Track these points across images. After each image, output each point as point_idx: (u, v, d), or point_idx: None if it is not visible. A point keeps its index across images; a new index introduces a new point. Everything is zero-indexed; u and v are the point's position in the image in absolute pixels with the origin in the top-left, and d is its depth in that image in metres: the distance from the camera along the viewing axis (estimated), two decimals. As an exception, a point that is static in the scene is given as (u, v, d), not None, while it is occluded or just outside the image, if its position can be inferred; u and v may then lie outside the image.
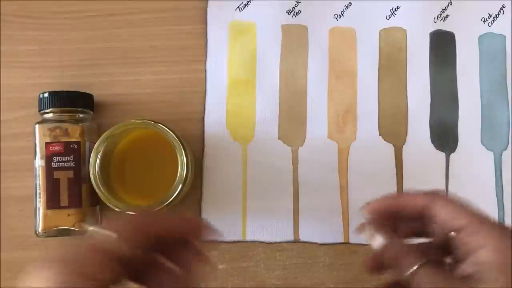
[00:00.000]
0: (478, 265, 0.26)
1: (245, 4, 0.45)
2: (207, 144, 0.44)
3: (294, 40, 0.45)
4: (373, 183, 0.43)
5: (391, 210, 0.31)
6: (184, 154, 0.37)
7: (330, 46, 0.45)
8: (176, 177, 0.37)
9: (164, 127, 0.37)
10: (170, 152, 0.37)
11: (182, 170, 0.37)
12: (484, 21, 0.45)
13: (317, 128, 0.44)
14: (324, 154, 0.44)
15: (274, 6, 0.45)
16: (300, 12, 0.45)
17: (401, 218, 0.31)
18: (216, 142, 0.44)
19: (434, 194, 0.29)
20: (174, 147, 0.37)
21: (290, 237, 0.43)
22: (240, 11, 0.45)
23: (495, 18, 0.45)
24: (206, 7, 0.45)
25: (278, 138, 0.44)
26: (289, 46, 0.45)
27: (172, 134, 0.37)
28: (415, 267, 0.26)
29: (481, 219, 0.27)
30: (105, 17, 0.45)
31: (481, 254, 0.26)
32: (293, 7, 0.45)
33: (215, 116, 0.44)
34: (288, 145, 0.44)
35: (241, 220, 0.43)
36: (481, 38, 0.45)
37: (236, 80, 0.44)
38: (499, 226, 0.27)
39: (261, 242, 0.43)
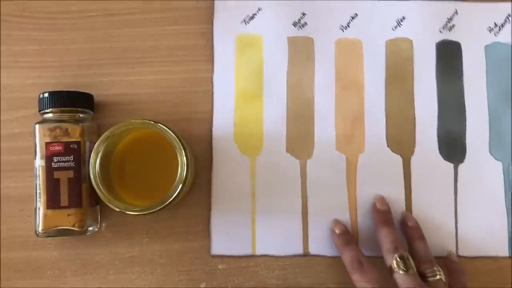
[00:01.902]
0: None
1: (251, 17, 0.45)
2: (215, 157, 0.44)
3: (301, 52, 0.45)
4: (382, 195, 0.43)
5: None
6: (184, 154, 0.37)
7: (336, 58, 0.45)
8: (176, 177, 0.37)
9: (164, 127, 0.37)
10: (170, 152, 0.37)
11: (182, 170, 0.37)
12: (490, 31, 0.45)
13: (325, 140, 0.44)
14: (333, 166, 0.44)
15: (280, 18, 0.45)
16: (306, 24, 0.45)
17: None
18: (224, 155, 0.43)
19: None
20: (174, 147, 0.37)
21: (299, 250, 0.43)
22: (246, 24, 0.45)
23: (501, 28, 0.45)
24: (212, 19, 0.45)
25: (286, 151, 0.44)
26: (296, 58, 0.45)
27: (172, 134, 0.37)
28: None
29: None
30: (105, 17, 0.45)
31: None
32: (299, 19, 0.45)
33: (223, 129, 0.44)
34: (296, 158, 0.44)
35: (250, 234, 0.43)
36: (487, 47, 0.45)
37: (243, 93, 0.44)
38: None
39: (271, 256, 0.43)
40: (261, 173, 0.43)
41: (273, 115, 0.44)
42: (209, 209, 0.43)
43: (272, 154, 0.44)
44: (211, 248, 0.43)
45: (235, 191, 0.43)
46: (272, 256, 0.43)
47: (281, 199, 0.43)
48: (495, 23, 0.45)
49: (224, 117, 0.44)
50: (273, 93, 0.44)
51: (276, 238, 0.43)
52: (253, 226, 0.43)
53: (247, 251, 0.43)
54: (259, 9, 0.45)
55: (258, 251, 0.43)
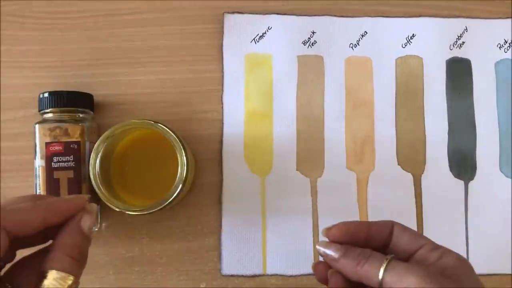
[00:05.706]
0: (445, 268, 0.28)
1: (260, 36, 0.45)
2: (226, 177, 0.43)
3: (310, 70, 0.45)
4: (392, 213, 0.43)
5: (357, 237, 0.31)
6: (184, 154, 0.37)
7: (346, 76, 0.45)
8: (176, 177, 0.37)
9: (164, 127, 0.37)
10: (170, 152, 0.37)
11: (182, 170, 0.37)
12: (500, 47, 0.45)
13: (335, 159, 0.44)
14: (343, 184, 0.44)
15: (289, 37, 0.45)
16: (316, 42, 0.45)
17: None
18: (234, 174, 0.43)
19: (391, 223, 0.31)
20: (174, 147, 0.37)
21: (311, 269, 0.43)
22: (255, 43, 0.45)
23: (510, 44, 0.45)
24: (222, 40, 0.45)
25: (296, 170, 0.44)
26: (306, 77, 0.45)
27: (172, 134, 0.37)
28: (385, 263, 0.28)
29: (432, 241, 0.30)
30: (105, 17, 0.45)
31: (445, 260, 0.28)
32: (309, 38, 0.45)
33: (233, 149, 0.44)
34: (306, 177, 0.44)
35: (261, 253, 0.43)
36: (497, 64, 0.45)
37: (253, 112, 0.44)
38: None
39: (282, 276, 0.42)
40: (271, 192, 0.43)
41: (283, 134, 0.44)
42: (219, 228, 0.43)
43: (282, 173, 0.43)
44: (222, 268, 0.42)
45: (246, 210, 0.43)
46: (283, 276, 0.42)
47: (291, 218, 0.43)
48: (504, 40, 0.45)
49: (234, 137, 0.44)
50: (283, 112, 0.44)
51: (287, 257, 0.42)
52: (264, 245, 0.43)
53: (257, 270, 0.42)
54: (269, 28, 0.45)
55: (269, 271, 0.42)
